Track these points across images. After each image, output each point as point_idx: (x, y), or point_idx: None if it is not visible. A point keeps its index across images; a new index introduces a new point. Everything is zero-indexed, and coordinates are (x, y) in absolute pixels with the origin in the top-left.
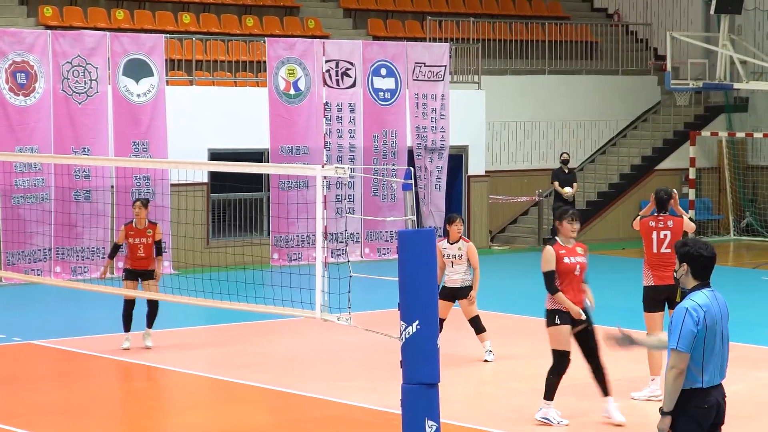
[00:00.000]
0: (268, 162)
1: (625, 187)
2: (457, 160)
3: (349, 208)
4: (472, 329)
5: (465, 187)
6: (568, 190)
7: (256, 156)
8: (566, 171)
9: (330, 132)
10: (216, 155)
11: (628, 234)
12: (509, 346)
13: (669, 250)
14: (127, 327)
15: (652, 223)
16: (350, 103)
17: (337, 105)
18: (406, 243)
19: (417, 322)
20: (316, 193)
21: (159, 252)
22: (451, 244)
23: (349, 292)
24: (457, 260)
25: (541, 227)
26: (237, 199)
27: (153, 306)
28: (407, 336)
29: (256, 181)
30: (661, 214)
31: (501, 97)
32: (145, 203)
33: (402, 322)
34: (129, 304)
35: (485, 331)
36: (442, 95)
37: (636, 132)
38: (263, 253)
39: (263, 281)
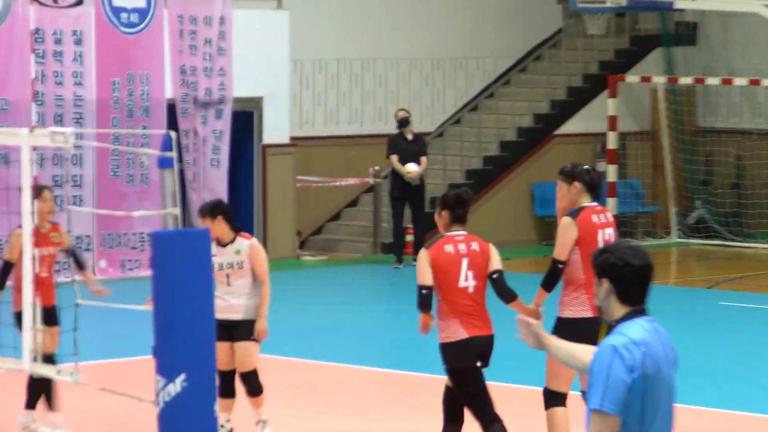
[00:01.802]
0: None
1: (507, 162)
2: (245, 120)
3: (75, 196)
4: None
5: (258, 162)
6: (412, 168)
7: None
8: (409, 138)
9: (43, 76)
10: None
11: (514, 235)
12: (314, 413)
13: None
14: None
15: (595, 218)
16: (75, 31)
17: (55, 33)
18: (165, 251)
19: (183, 377)
20: (21, 174)
21: (81, 264)
22: (222, 246)
23: (76, 329)
24: (235, 272)
25: (378, 225)
26: None
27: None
28: (167, 399)
29: None
30: (599, 204)
31: (314, 22)
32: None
33: (159, 377)
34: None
35: (262, 392)
36: (221, 19)
37: (525, 77)
38: None
39: None
